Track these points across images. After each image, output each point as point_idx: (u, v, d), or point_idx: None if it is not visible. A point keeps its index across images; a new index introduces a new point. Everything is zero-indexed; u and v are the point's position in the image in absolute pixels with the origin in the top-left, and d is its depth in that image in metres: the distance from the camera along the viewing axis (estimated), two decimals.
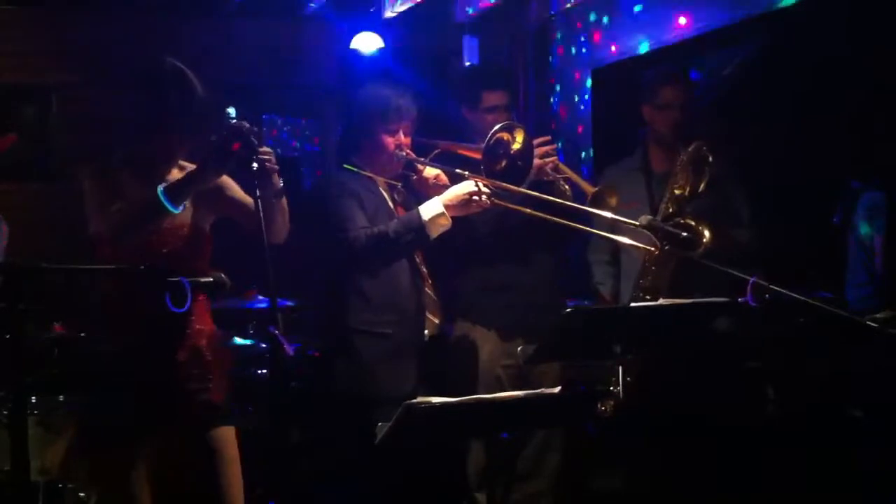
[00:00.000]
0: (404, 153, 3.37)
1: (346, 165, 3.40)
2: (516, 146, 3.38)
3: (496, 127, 3.35)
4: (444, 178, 3.42)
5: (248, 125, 2.54)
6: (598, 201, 3.40)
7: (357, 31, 5.57)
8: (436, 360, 3.48)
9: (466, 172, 3.28)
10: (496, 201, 3.29)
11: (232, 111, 2.73)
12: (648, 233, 3.21)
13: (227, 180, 2.74)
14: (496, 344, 3.63)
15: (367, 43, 5.54)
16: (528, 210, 3.32)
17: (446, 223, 3.27)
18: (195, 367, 2.67)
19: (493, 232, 3.56)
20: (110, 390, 2.62)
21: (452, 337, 3.71)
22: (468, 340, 3.66)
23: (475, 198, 3.25)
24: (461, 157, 3.47)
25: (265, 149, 2.57)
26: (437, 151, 3.48)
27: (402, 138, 3.37)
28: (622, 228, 3.32)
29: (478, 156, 3.34)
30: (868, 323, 2.79)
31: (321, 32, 5.90)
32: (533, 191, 3.40)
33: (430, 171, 3.43)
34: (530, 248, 3.65)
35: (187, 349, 2.66)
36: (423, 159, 3.42)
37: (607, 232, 3.51)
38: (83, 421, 2.79)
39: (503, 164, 3.37)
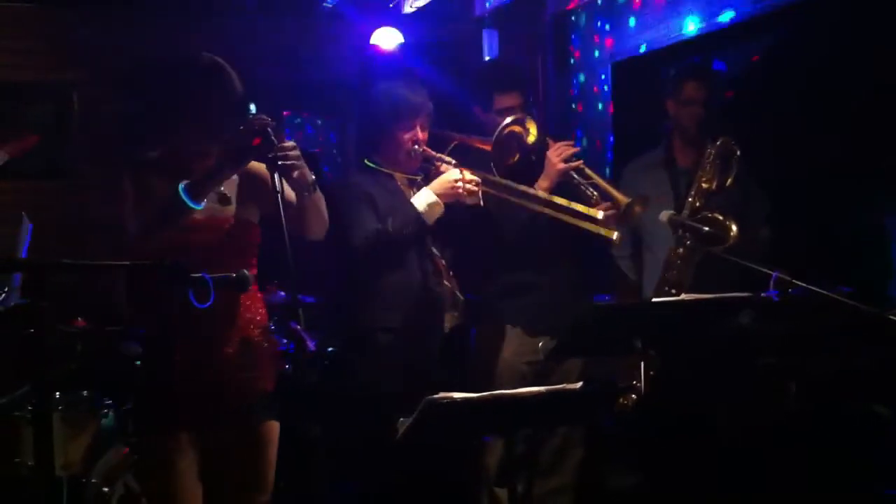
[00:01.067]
0: (421, 149, 3.39)
1: (366, 162, 3.42)
2: (531, 139, 3.38)
3: (507, 120, 3.36)
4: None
5: (267, 120, 2.55)
6: (628, 211, 3.38)
7: (376, 27, 5.56)
8: (457, 356, 3.48)
9: (453, 161, 3.36)
10: (485, 189, 3.35)
11: (252, 107, 2.75)
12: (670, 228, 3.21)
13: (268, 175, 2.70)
14: (521, 340, 3.64)
15: (386, 38, 5.53)
16: (530, 204, 3.36)
17: (440, 210, 3.35)
18: (247, 357, 2.69)
19: (521, 233, 3.56)
20: (157, 386, 2.64)
21: (476, 334, 3.71)
22: (492, 337, 3.67)
23: (459, 185, 3.32)
24: (477, 150, 3.47)
25: (288, 143, 2.58)
26: (454, 144, 3.49)
27: (419, 134, 3.39)
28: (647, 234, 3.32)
29: (486, 147, 3.35)
30: (891, 318, 2.77)
31: (340, 28, 5.90)
32: (558, 195, 3.42)
33: (447, 166, 3.44)
34: (556, 249, 3.65)
35: (237, 340, 2.68)
36: (439, 154, 3.43)
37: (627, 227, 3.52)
38: (132, 416, 2.81)
39: (516, 157, 3.38)
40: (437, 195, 3.33)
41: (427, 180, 3.47)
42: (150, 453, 2.68)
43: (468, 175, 3.35)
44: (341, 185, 3.56)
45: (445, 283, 3.46)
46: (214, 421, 2.65)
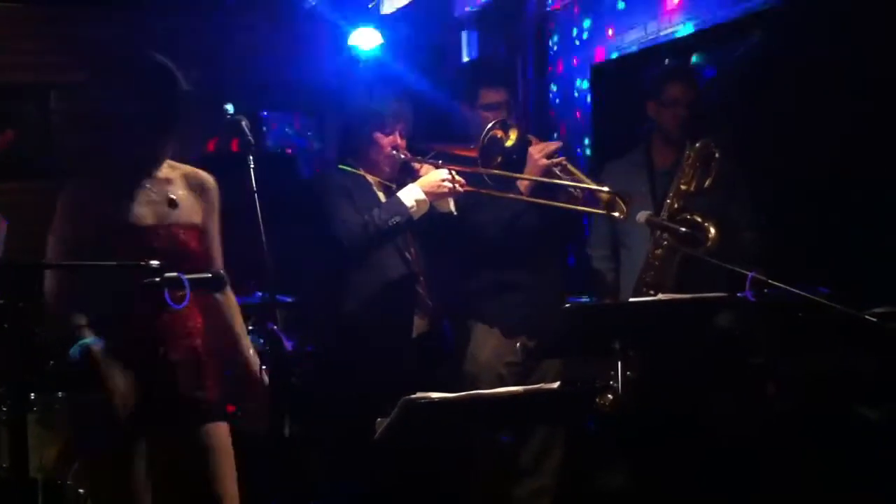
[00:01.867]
0: (400, 154, 3.40)
1: (341, 165, 3.42)
2: (510, 143, 3.41)
3: (489, 125, 3.37)
4: None
5: (240, 119, 2.55)
6: (611, 205, 3.39)
7: (355, 27, 5.56)
8: (431, 358, 3.49)
9: (440, 161, 3.40)
10: (469, 188, 3.39)
11: (230, 108, 2.74)
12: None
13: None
14: (499, 342, 3.64)
15: (365, 39, 5.53)
16: (522, 197, 3.40)
17: (426, 207, 3.38)
18: (190, 367, 2.65)
19: (502, 233, 3.57)
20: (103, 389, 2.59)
21: (455, 335, 3.72)
22: (471, 338, 3.67)
23: (447, 183, 3.35)
24: (457, 157, 3.48)
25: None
26: (433, 153, 3.50)
27: (398, 139, 3.40)
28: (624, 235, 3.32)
29: (473, 154, 3.36)
30: (867, 318, 2.78)
31: (319, 28, 5.89)
32: (541, 193, 3.45)
33: (428, 170, 3.45)
34: (537, 250, 3.66)
35: (182, 348, 2.64)
36: (419, 157, 3.44)
37: (604, 227, 3.54)
38: (78, 420, 2.78)
39: (499, 160, 3.41)
40: (425, 192, 3.35)
41: (402, 187, 3.47)
42: (99, 460, 2.65)
43: (456, 175, 3.37)
44: (319, 180, 3.57)
45: (418, 289, 3.46)
46: (160, 428, 2.63)
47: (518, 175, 3.42)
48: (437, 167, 3.40)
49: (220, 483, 2.68)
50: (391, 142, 3.41)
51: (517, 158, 3.47)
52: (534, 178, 3.45)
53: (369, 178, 3.44)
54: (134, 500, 2.59)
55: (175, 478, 2.66)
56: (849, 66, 3.97)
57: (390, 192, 3.46)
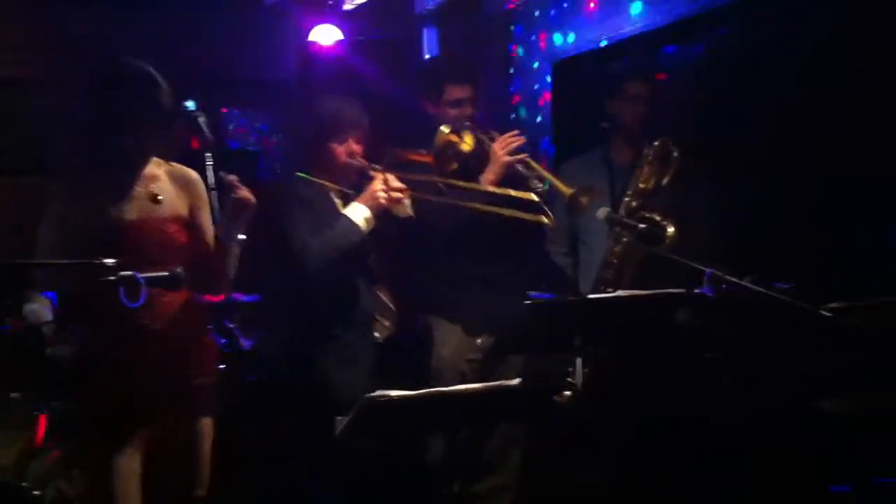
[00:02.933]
0: (356, 162, 3.37)
1: (298, 174, 3.38)
2: (465, 147, 3.39)
3: (444, 130, 3.35)
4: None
5: (197, 115, 2.55)
6: (574, 202, 3.39)
7: (316, 24, 5.52)
8: (394, 362, 3.48)
9: (377, 167, 3.33)
10: (417, 195, 3.33)
11: (191, 104, 2.75)
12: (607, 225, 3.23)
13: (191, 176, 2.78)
14: (461, 338, 3.64)
15: (325, 35, 5.50)
16: (473, 205, 3.34)
17: (372, 220, 3.30)
18: (184, 354, 2.71)
19: (463, 230, 3.55)
20: (86, 391, 2.65)
21: (417, 331, 3.71)
22: (433, 335, 3.66)
23: (382, 194, 3.28)
24: (414, 163, 3.45)
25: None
26: (388, 159, 3.46)
27: (353, 147, 3.37)
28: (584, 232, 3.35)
29: (428, 159, 3.34)
30: (822, 313, 2.82)
31: (280, 25, 5.85)
32: (504, 188, 3.43)
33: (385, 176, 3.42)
34: (496, 244, 3.65)
35: (174, 337, 2.68)
36: (376, 166, 3.41)
37: (563, 221, 3.55)
38: (65, 423, 2.79)
39: (454, 166, 3.38)
40: (368, 207, 3.30)
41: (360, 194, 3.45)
42: (92, 455, 2.65)
43: (393, 182, 3.30)
44: (278, 189, 3.50)
45: (379, 293, 3.45)
46: (153, 418, 2.66)
47: (472, 185, 3.35)
48: (378, 172, 3.33)
49: (200, 474, 2.76)
50: (347, 150, 3.37)
51: (473, 164, 3.44)
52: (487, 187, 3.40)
53: (327, 185, 3.39)
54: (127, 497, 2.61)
55: (165, 469, 2.70)
56: (807, 63, 4.02)
57: (349, 199, 3.42)
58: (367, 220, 3.30)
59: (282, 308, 3.43)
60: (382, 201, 3.30)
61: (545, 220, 3.31)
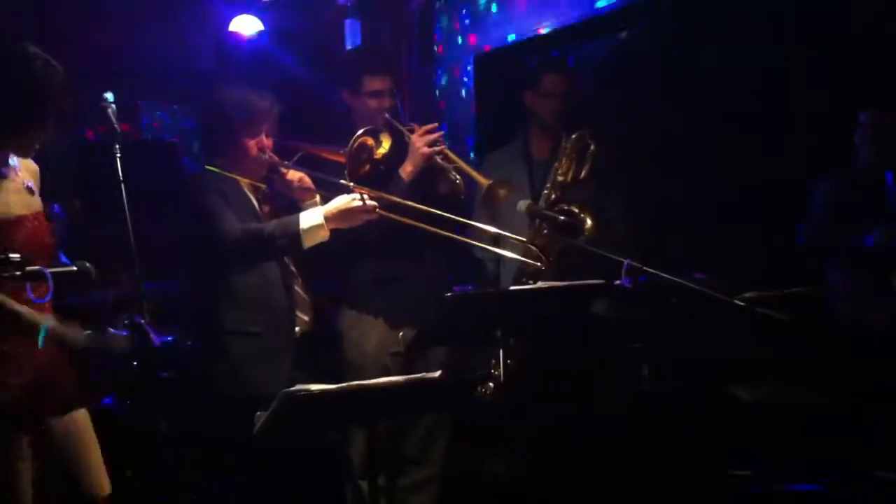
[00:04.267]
0: (267, 156, 3.32)
1: (208, 167, 3.31)
2: (381, 151, 3.36)
3: (360, 131, 3.32)
4: (307, 180, 3.37)
5: (106, 106, 2.47)
6: (491, 194, 3.40)
7: (236, 14, 5.44)
8: (313, 357, 3.44)
9: (352, 184, 3.22)
10: (383, 213, 3.23)
11: (110, 96, 2.67)
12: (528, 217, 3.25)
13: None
14: (384, 332, 3.62)
15: (245, 26, 5.42)
16: (416, 223, 3.26)
17: (325, 235, 3.21)
18: (58, 350, 2.59)
19: (384, 224, 3.53)
20: None
21: (339, 327, 3.68)
22: (355, 329, 3.64)
23: (360, 212, 3.19)
24: (325, 161, 3.41)
25: None
26: (300, 154, 3.40)
27: (264, 140, 3.31)
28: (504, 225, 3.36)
29: (341, 159, 3.30)
30: (737, 302, 2.88)
31: (199, 14, 5.74)
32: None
33: (294, 174, 3.38)
34: (420, 240, 3.63)
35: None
36: (286, 163, 3.36)
37: (486, 217, 3.55)
38: None
39: (367, 168, 3.35)
40: (326, 218, 3.19)
41: (271, 187, 3.39)
42: None
43: (368, 201, 3.20)
44: (192, 182, 3.42)
45: (297, 288, 3.41)
46: (42, 416, 2.57)
47: (385, 196, 3.27)
48: (350, 189, 3.21)
49: (90, 471, 2.64)
50: (258, 144, 3.31)
51: (385, 170, 3.41)
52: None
53: (239, 179, 3.33)
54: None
55: (59, 470, 2.61)
56: (722, 59, 4.10)
57: (260, 193, 3.37)
58: (315, 227, 3.18)
59: (199, 303, 3.36)
60: (358, 219, 3.20)
61: (540, 265, 3.30)
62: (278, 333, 3.29)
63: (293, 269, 3.41)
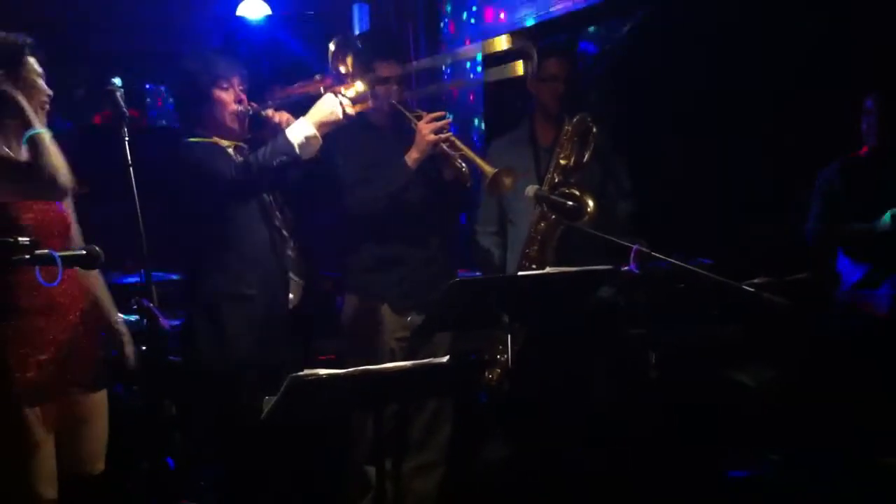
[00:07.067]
0: (246, 107, 3.28)
1: (190, 139, 3.25)
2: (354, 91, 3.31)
3: (331, 55, 3.26)
4: (294, 120, 3.29)
5: (114, 90, 2.46)
6: (496, 182, 3.39)
7: None
8: (306, 330, 3.42)
9: (270, 104, 3.25)
10: (358, 109, 3.24)
11: (118, 81, 2.66)
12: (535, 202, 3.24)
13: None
14: (389, 317, 3.62)
15: (253, 10, 5.42)
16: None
17: (317, 143, 3.19)
18: (88, 327, 2.66)
19: (390, 207, 3.52)
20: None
21: (344, 311, 3.68)
22: (361, 314, 3.64)
23: (337, 109, 3.16)
24: (305, 96, 3.33)
25: None
26: (277, 100, 3.35)
27: (239, 92, 3.27)
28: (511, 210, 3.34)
29: (318, 87, 3.25)
30: (745, 288, 2.88)
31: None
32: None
33: (282, 115, 3.32)
34: (424, 224, 3.64)
35: (79, 310, 2.64)
36: (269, 102, 3.31)
37: (493, 204, 3.54)
38: None
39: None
40: (316, 126, 3.15)
41: (261, 138, 3.29)
42: (7, 429, 2.57)
43: (345, 98, 3.17)
44: (175, 157, 3.36)
45: (289, 252, 3.39)
46: (64, 390, 2.62)
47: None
48: (328, 90, 3.19)
49: (101, 447, 2.73)
50: (235, 97, 3.26)
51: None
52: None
53: (222, 143, 3.29)
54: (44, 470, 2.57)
55: (68, 442, 2.67)
56: (727, 47, 4.10)
57: (242, 152, 3.32)
58: (308, 138, 3.15)
59: (191, 274, 3.33)
60: (338, 116, 3.16)
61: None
62: (270, 298, 3.26)
63: (286, 234, 3.38)
